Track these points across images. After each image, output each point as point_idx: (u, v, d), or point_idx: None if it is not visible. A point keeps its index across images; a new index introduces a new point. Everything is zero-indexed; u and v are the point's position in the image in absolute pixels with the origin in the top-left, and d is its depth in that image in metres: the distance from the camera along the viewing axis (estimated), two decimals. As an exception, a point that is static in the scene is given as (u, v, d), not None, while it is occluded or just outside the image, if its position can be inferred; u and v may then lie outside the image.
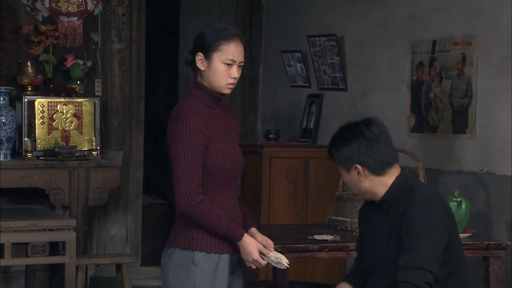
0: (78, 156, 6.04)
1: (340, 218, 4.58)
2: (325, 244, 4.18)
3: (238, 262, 3.42)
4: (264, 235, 3.45)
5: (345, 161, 3.24)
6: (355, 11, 6.34)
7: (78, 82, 6.30)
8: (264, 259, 3.32)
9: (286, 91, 7.15)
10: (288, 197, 6.28)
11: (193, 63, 3.38)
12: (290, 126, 7.08)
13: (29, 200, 6.07)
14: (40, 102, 6.01)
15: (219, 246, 3.31)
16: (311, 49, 6.70)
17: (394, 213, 3.17)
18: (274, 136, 6.76)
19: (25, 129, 5.96)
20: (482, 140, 5.15)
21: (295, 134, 6.97)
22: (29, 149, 5.90)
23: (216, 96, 3.38)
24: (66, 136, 6.09)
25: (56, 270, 5.93)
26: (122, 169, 6.33)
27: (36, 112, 5.99)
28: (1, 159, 5.85)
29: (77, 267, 5.35)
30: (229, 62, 3.33)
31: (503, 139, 4.99)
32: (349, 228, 4.49)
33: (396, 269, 3.07)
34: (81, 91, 6.29)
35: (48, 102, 6.05)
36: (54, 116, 6.05)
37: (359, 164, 3.21)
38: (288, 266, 3.40)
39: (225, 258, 3.33)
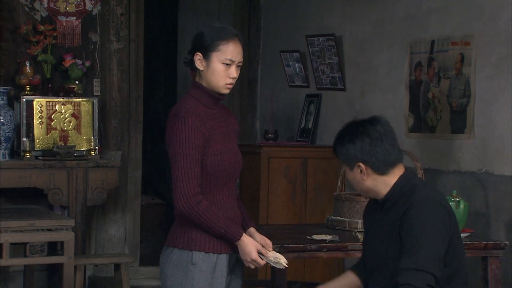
0: (76, 156, 6.03)
1: (339, 218, 4.57)
2: (324, 244, 4.17)
3: (236, 262, 3.41)
4: (262, 235, 3.44)
5: (348, 158, 3.24)
6: (353, 11, 6.33)
7: (77, 82, 6.30)
8: (262, 259, 3.32)
9: (284, 91, 7.14)
10: (286, 197, 6.28)
11: (191, 63, 3.38)
12: (288, 126, 7.07)
13: (27, 200, 6.07)
14: (39, 102, 6.01)
15: (217, 246, 3.30)
16: (310, 49, 6.70)
17: (395, 213, 3.16)
18: (272, 136, 6.75)
19: (23, 129, 5.96)
20: (481, 140, 5.15)
21: (293, 134, 6.97)
22: (28, 149, 5.90)
23: (214, 96, 3.38)
24: (64, 136, 6.09)
25: (55, 270, 5.91)
26: (120, 169, 6.33)
27: (34, 112, 5.98)
28: (-1, 159, 5.86)
29: (75, 267, 5.35)
30: (228, 62, 3.32)
31: (502, 139, 4.99)
32: (347, 228, 4.48)
33: (397, 271, 3.06)
34: (79, 91, 6.29)
35: (47, 102, 6.04)
36: (52, 116, 6.05)
37: (362, 163, 3.20)
38: (286, 266, 3.40)
39: (223, 258, 3.33)
